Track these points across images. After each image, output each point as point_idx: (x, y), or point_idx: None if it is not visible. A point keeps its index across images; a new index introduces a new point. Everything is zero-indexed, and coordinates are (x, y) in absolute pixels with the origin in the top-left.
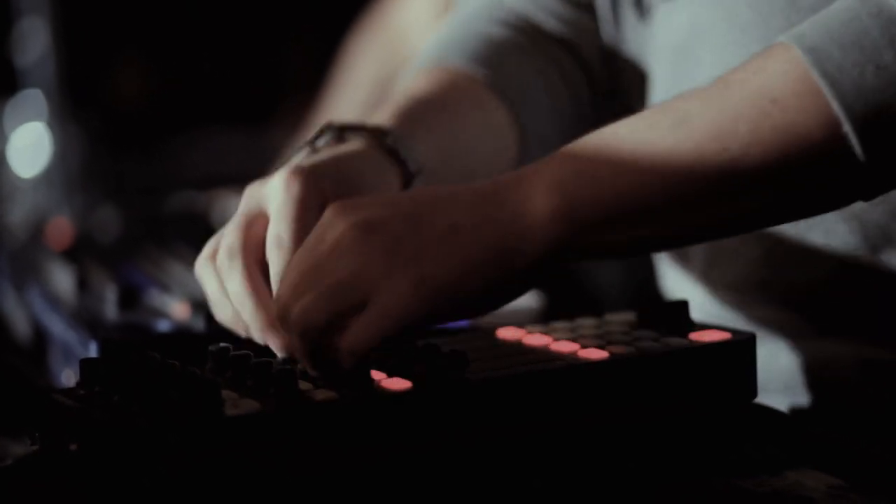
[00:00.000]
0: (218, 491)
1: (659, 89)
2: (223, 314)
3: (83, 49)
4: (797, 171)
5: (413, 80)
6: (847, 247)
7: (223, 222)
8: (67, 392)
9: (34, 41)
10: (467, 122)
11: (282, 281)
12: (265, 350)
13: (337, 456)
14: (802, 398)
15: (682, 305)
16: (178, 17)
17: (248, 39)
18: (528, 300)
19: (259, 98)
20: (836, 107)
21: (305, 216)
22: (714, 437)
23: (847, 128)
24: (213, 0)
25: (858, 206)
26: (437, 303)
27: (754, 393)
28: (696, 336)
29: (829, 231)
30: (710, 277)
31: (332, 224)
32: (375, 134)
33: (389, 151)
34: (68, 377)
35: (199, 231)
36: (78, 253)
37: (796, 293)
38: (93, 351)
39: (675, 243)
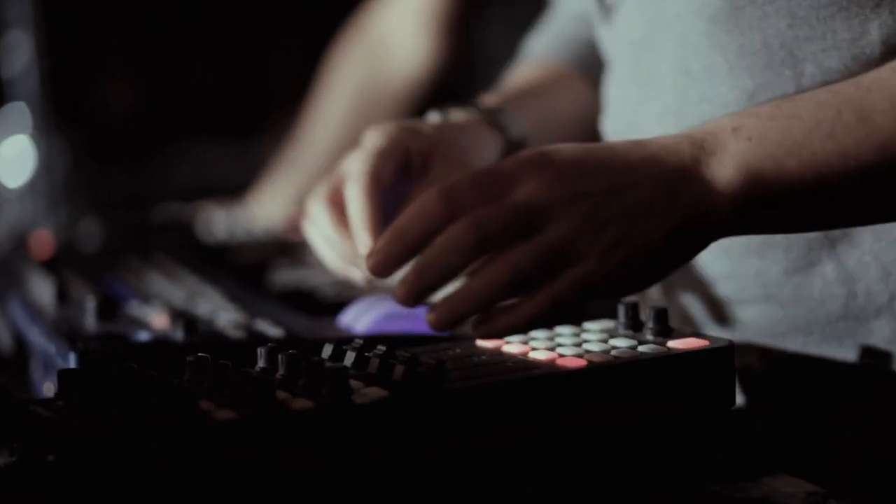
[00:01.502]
0: (197, 501)
1: (618, 82)
2: (330, 253)
3: (68, 61)
4: None
5: (515, 73)
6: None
7: (207, 233)
8: (46, 403)
9: (18, 53)
10: (559, 99)
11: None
12: (244, 360)
13: (315, 464)
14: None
15: (662, 312)
16: (164, 30)
17: (234, 51)
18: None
19: (244, 110)
20: None
21: (379, 164)
22: (692, 444)
23: None
24: (199, 13)
25: None
26: (635, 271)
27: (732, 400)
28: (674, 343)
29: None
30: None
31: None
32: (477, 107)
33: (490, 123)
34: (49, 388)
35: (183, 242)
36: (59, 264)
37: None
38: (72, 362)
39: (842, 224)
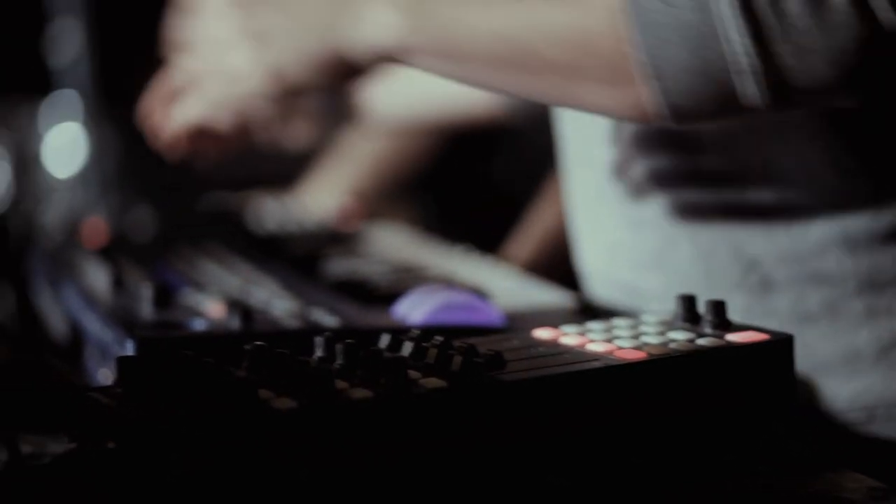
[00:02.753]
0: (255, 489)
1: None
2: None
3: (118, 48)
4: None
5: None
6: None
7: (259, 223)
8: (104, 390)
9: (68, 41)
10: None
11: None
12: (300, 349)
13: (373, 454)
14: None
15: (719, 305)
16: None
17: None
18: (564, 299)
19: None
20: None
21: None
22: (751, 439)
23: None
24: None
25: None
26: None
27: (792, 393)
28: (732, 336)
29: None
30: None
31: None
32: None
33: None
34: (105, 376)
35: (234, 231)
36: (113, 252)
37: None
38: (129, 349)
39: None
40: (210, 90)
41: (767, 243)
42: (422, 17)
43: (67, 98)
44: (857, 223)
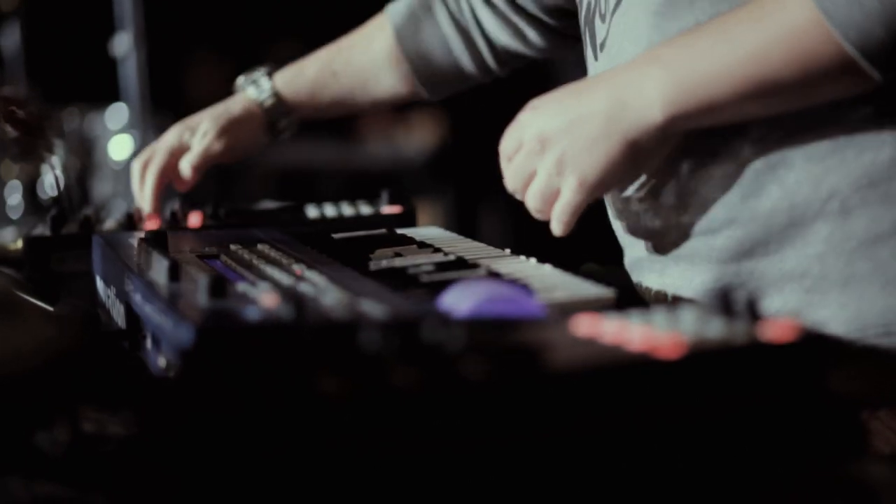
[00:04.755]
0: (312, 478)
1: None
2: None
3: (171, 59)
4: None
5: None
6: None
7: (305, 215)
8: (165, 378)
9: (126, 52)
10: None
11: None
12: (352, 339)
13: (422, 445)
14: None
15: (754, 300)
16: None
17: (326, 38)
18: (601, 290)
19: None
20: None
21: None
22: (787, 433)
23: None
24: (300, 4)
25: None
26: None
27: (827, 388)
28: (767, 331)
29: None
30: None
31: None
32: (260, 101)
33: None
34: (164, 363)
35: (284, 222)
36: (169, 240)
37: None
38: (189, 338)
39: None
40: None
41: (843, 173)
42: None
43: (125, 107)
44: None
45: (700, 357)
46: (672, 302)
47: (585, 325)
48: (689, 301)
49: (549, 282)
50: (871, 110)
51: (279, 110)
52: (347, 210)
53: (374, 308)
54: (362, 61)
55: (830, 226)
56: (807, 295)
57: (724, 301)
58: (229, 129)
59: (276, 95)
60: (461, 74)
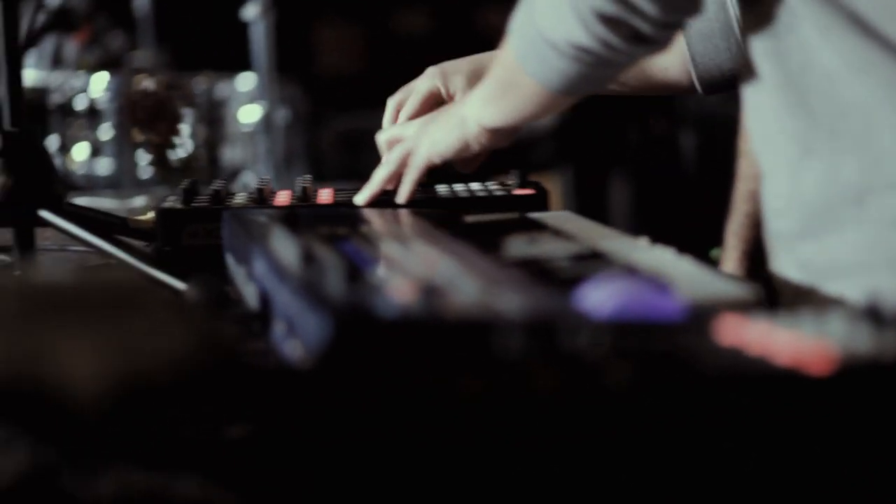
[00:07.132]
0: (445, 478)
1: None
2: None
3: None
4: None
5: None
6: None
7: (438, 193)
8: (294, 370)
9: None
10: None
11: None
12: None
13: (562, 447)
14: None
15: None
16: None
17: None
18: (743, 291)
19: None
20: None
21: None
22: None
23: None
24: None
25: None
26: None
27: None
28: None
29: None
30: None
31: None
32: None
33: None
34: (294, 349)
35: (417, 203)
36: (300, 220)
37: None
38: (324, 327)
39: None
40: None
41: None
42: None
43: (255, 77)
44: None
45: (849, 373)
46: (817, 302)
47: (730, 331)
48: (837, 303)
49: (690, 278)
50: None
51: None
52: (478, 190)
53: (512, 306)
54: None
55: None
56: None
57: (874, 310)
58: None
59: None
60: None
